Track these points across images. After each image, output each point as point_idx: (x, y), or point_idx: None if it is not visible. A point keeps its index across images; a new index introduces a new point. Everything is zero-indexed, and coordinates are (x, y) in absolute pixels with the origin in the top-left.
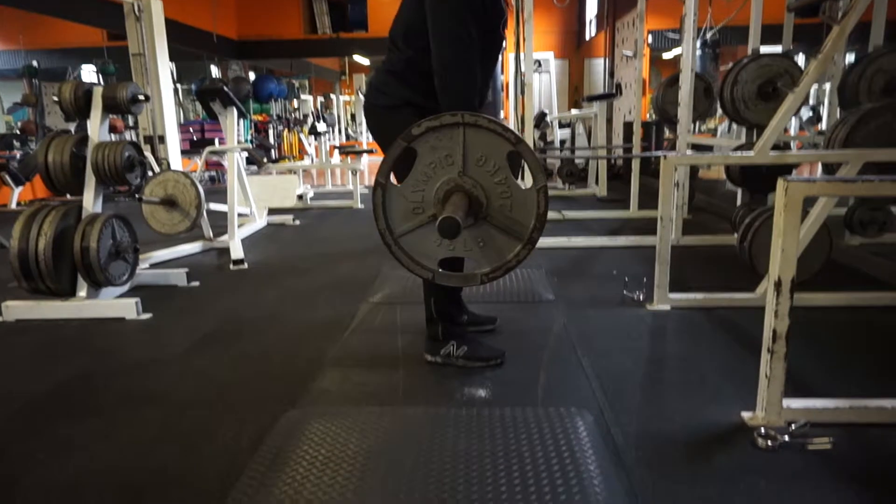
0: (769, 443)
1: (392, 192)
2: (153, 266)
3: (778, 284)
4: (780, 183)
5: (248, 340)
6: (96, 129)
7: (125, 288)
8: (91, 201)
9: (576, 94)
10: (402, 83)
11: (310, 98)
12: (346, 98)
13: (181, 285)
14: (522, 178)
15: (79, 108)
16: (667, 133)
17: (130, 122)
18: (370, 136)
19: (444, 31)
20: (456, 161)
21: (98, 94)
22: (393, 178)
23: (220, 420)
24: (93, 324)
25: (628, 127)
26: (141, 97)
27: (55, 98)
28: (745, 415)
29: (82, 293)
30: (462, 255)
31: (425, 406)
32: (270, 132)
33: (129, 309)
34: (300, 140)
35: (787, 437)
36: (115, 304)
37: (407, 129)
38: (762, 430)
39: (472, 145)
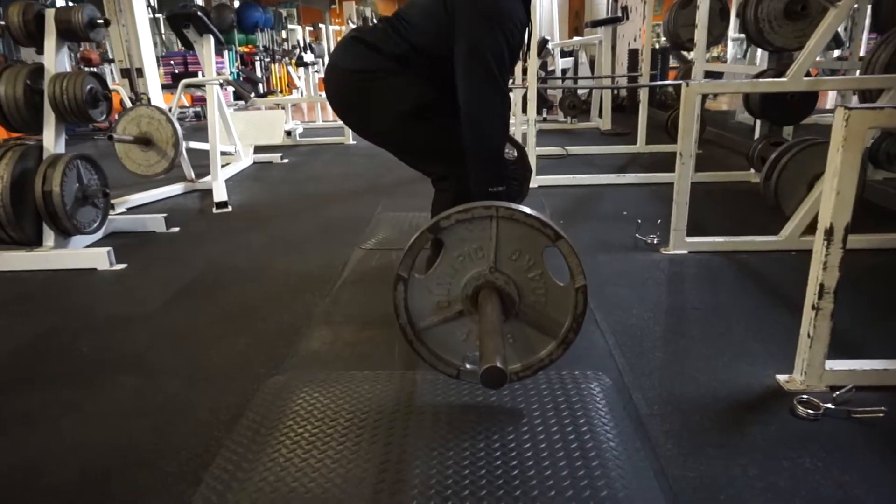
0: (810, 411)
1: (415, 285)
2: (130, 211)
3: (829, 232)
4: (840, 112)
5: (229, 293)
6: (52, 57)
7: (97, 236)
8: (52, 140)
9: (576, 19)
10: (376, 52)
11: (298, 28)
12: (337, 28)
13: (159, 231)
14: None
15: (29, 33)
16: (672, 62)
17: (110, 54)
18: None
19: (479, 77)
20: (487, 254)
21: (51, 17)
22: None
23: (196, 388)
24: (61, 276)
25: (633, 55)
26: (99, 21)
27: (1, 22)
28: (781, 378)
29: (49, 242)
30: None
31: (423, 371)
32: (257, 65)
33: (100, 259)
34: (289, 73)
35: (831, 405)
36: (85, 254)
37: (434, 221)
38: (803, 397)
39: (506, 238)
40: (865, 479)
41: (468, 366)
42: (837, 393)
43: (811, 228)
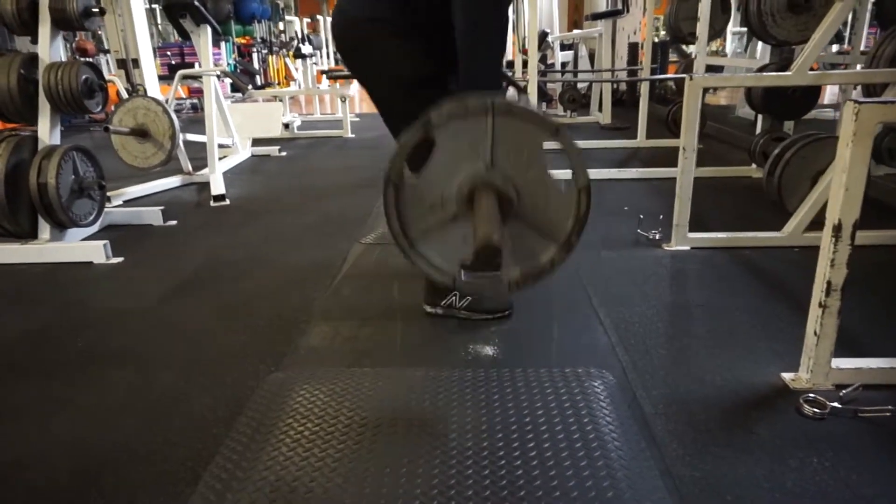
0: (816, 410)
1: (406, 189)
2: (127, 203)
3: (837, 229)
4: (849, 106)
5: (227, 288)
6: (46, 46)
7: (94, 228)
8: (47, 131)
9: (576, 13)
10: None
11: (296, 19)
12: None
13: (156, 224)
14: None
15: (23, 21)
16: (672, 56)
17: (106, 44)
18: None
19: None
20: (482, 152)
21: (45, 5)
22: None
23: (193, 384)
24: (57, 269)
25: (633, 48)
26: (94, 9)
27: None
28: (787, 376)
29: (45, 235)
30: None
31: (425, 367)
32: (255, 57)
33: (96, 252)
34: (286, 65)
35: (837, 404)
36: (81, 247)
37: (425, 116)
38: (810, 395)
39: (502, 134)
40: (874, 479)
41: (464, 276)
42: (844, 392)
43: (815, 224)
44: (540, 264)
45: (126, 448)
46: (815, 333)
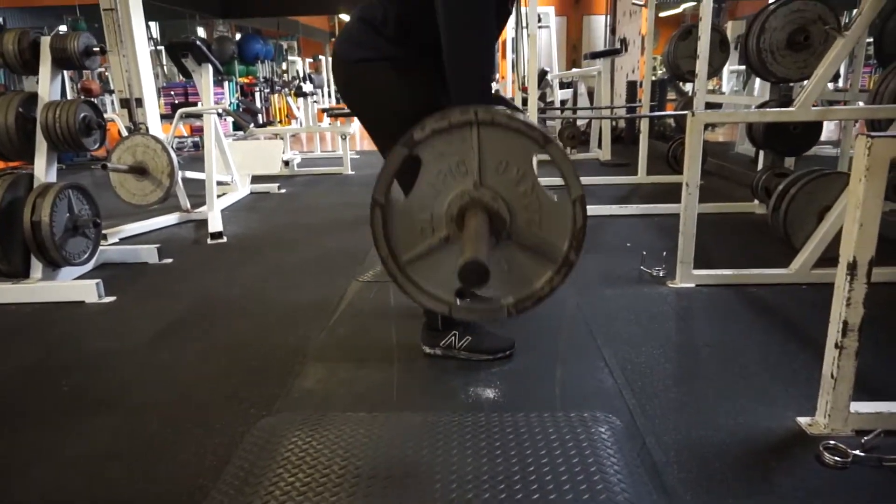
0: (838, 458)
1: (394, 211)
2: (123, 241)
3: (852, 266)
4: (862, 141)
5: (222, 327)
6: (46, 85)
7: (88, 267)
8: (43, 169)
9: (574, 52)
10: (377, 34)
11: (298, 59)
12: None
13: (152, 262)
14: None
15: (25, 61)
16: (670, 94)
17: (111, 84)
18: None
19: None
20: (470, 169)
21: (46, 44)
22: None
23: (181, 430)
24: (48, 309)
25: (631, 86)
26: (95, 49)
27: None
28: (803, 420)
29: (37, 274)
30: None
31: (424, 412)
32: (257, 96)
33: (88, 291)
34: (288, 104)
35: (860, 452)
36: (73, 286)
37: (408, 133)
38: (830, 442)
39: (489, 148)
40: None
41: (459, 302)
42: (866, 438)
43: (823, 261)
44: (538, 287)
45: (108, 500)
46: (832, 376)
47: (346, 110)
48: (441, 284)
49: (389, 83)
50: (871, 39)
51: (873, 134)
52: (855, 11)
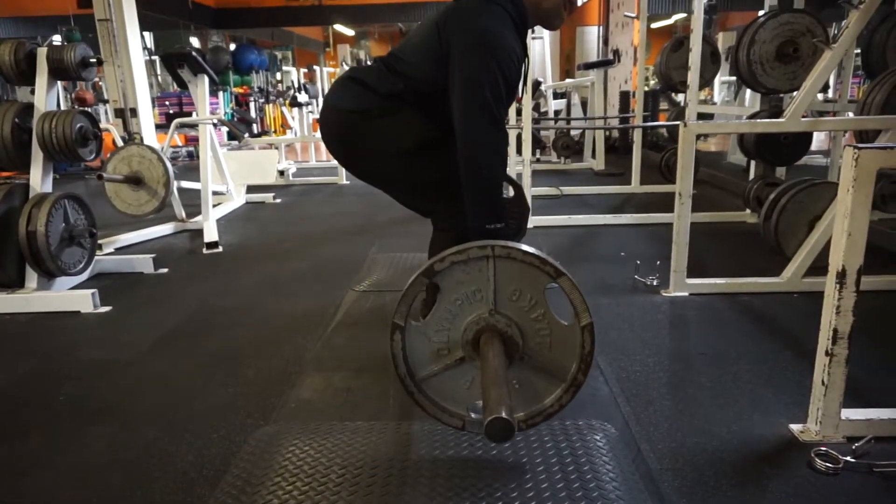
0: (829, 464)
1: (412, 333)
2: (118, 251)
3: (841, 275)
4: (849, 152)
5: (217, 337)
6: (42, 96)
7: (83, 277)
8: (38, 179)
9: (567, 62)
10: (371, 92)
11: (293, 69)
12: (331, 70)
13: (147, 272)
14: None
15: (21, 72)
16: (662, 104)
17: (105, 94)
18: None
19: (475, 110)
20: (486, 297)
21: (42, 56)
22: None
23: (178, 439)
24: (43, 319)
25: (624, 96)
26: (92, 60)
27: None
28: (795, 428)
29: (32, 284)
30: None
31: (420, 421)
32: (252, 106)
33: (84, 301)
34: (283, 114)
35: (851, 458)
36: (68, 296)
37: (429, 265)
38: (821, 449)
39: (504, 279)
40: None
41: (473, 415)
42: (856, 445)
43: (814, 270)
44: (547, 405)
45: None
46: (823, 383)
47: None
48: (455, 400)
49: (383, 125)
50: (860, 51)
51: (860, 146)
52: (843, 24)
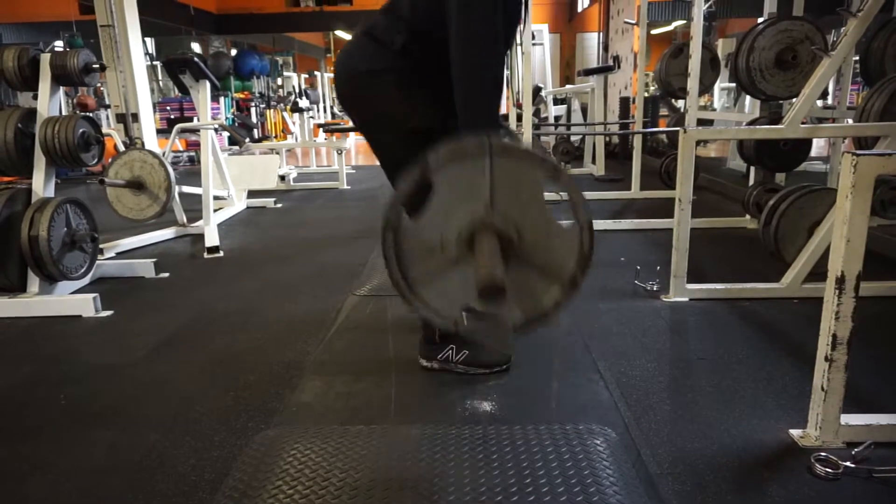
0: (829, 470)
1: (405, 233)
2: (119, 255)
3: (840, 281)
4: (848, 158)
5: (219, 341)
6: (45, 101)
7: (84, 281)
8: (41, 184)
9: (567, 69)
10: (383, 47)
11: (294, 75)
12: (331, 76)
13: (148, 277)
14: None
15: (24, 77)
16: (662, 110)
17: (107, 100)
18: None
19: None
20: (482, 193)
21: (46, 61)
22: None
23: (179, 443)
24: (44, 323)
25: (624, 102)
26: (95, 66)
27: None
28: (795, 433)
29: (34, 288)
30: None
31: (422, 425)
32: (253, 111)
33: (86, 305)
34: (284, 119)
35: (850, 464)
36: (70, 301)
37: (422, 159)
38: (821, 454)
39: (501, 176)
40: None
41: (467, 318)
42: (856, 450)
43: (813, 275)
44: (544, 306)
45: None
46: (823, 388)
47: (342, 126)
48: (449, 301)
49: (394, 96)
50: (858, 58)
51: (858, 152)
52: (841, 31)
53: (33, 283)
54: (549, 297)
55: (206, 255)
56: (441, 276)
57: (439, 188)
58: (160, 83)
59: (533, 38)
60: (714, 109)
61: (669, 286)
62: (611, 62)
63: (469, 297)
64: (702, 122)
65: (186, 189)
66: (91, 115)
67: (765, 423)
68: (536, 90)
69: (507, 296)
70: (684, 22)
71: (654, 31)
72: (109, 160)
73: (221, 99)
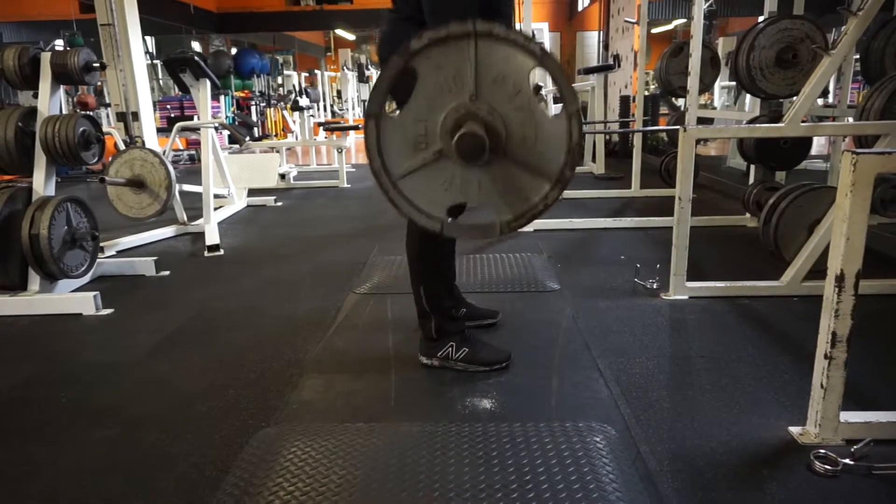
0: (828, 467)
1: (388, 125)
2: (120, 253)
3: (840, 279)
4: (848, 157)
5: (219, 340)
6: (46, 100)
7: (85, 279)
8: (42, 183)
9: (568, 67)
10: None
11: (294, 74)
12: (332, 74)
13: (149, 275)
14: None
15: (24, 76)
16: (662, 108)
17: (107, 98)
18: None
19: None
20: (467, 82)
21: (46, 60)
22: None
23: (180, 441)
24: (45, 321)
25: (624, 101)
26: (95, 64)
27: None
28: (795, 430)
29: (34, 286)
30: (477, 201)
31: (422, 422)
32: (253, 109)
33: (86, 304)
34: (284, 117)
35: (850, 461)
36: (71, 299)
37: (404, 43)
38: (820, 451)
39: (486, 62)
40: None
41: (451, 219)
42: (855, 447)
43: (813, 274)
44: (532, 204)
45: None
46: (822, 386)
47: (342, 124)
48: (434, 202)
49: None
50: (858, 57)
51: (858, 150)
52: (841, 30)
53: (34, 281)
54: (537, 195)
55: (206, 254)
56: (426, 173)
57: (423, 76)
58: (160, 82)
59: (534, 36)
60: (714, 108)
61: (669, 284)
62: (611, 61)
63: (453, 196)
64: (702, 121)
65: (187, 187)
66: (91, 113)
67: (764, 420)
68: (537, 89)
69: (486, 151)
70: (684, 21)
71: (654, 30)
72: (110, 159)
73: (222, 97)
